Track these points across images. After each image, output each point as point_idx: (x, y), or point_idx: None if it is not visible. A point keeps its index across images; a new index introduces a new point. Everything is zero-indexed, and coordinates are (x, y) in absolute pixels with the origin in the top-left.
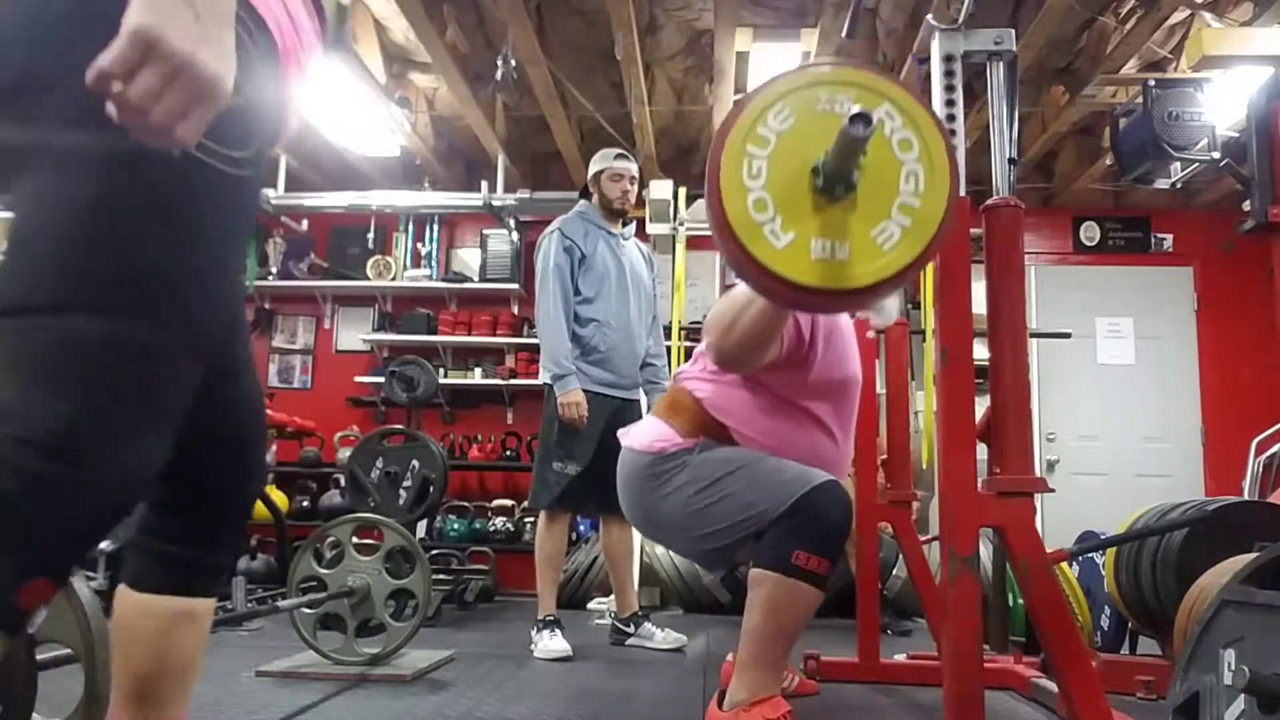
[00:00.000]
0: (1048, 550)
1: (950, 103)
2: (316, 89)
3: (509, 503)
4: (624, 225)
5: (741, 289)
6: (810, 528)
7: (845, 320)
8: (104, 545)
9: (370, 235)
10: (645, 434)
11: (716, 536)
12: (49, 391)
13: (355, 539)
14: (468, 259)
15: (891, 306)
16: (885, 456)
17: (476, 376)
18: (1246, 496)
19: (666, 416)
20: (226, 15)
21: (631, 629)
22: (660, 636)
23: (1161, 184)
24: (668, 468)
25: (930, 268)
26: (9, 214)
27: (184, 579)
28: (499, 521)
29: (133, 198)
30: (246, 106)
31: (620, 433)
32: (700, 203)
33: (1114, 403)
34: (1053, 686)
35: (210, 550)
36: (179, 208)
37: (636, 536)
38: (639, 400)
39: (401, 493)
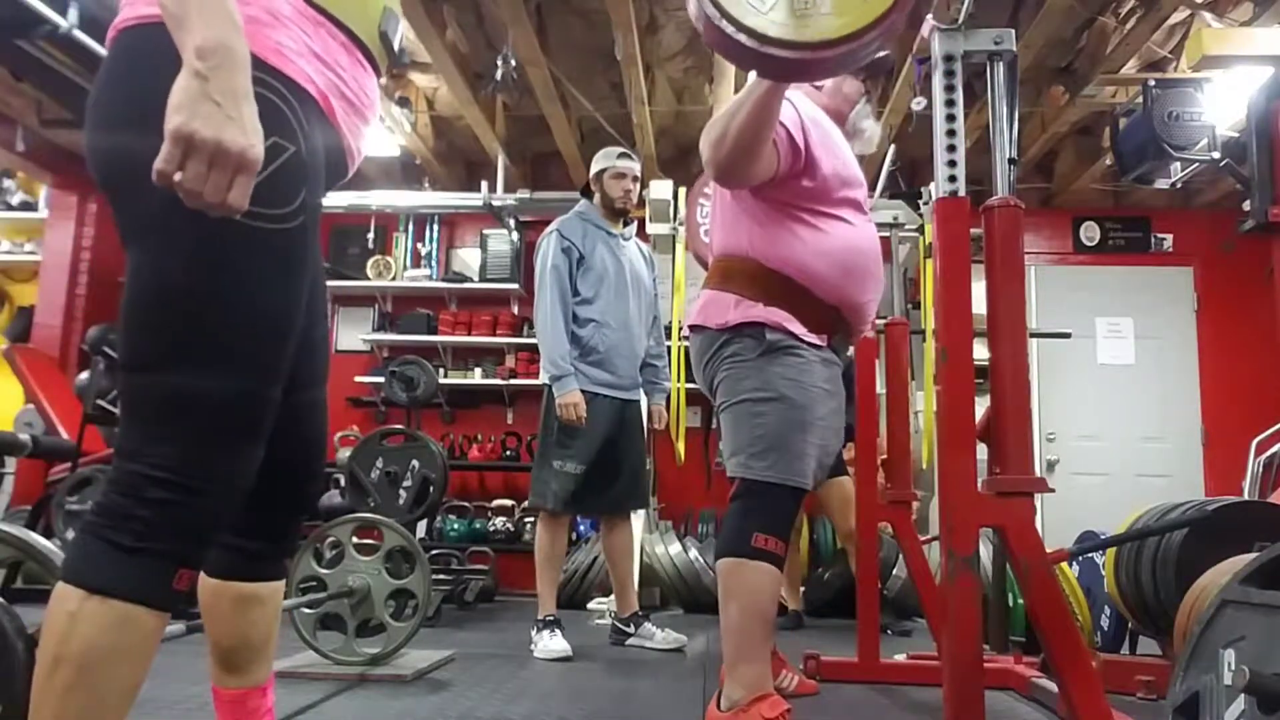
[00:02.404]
0: (1048, 550)
1: (950, 103)
2: None
3: (509, 503)
4: (625, 225)
5: (725, 105)
6: (766, 509)
7: (836, 128)
8: None
9: (370, 235)
10: (708, 311)
11: (737, 425)
12: (162, 436)
13: (355, 539)
14: (468, 259)
15: (872, 131)
16: (885, 456)
17: (476, 376)
18: (1246, 496)
19: (723, 285)
20: (242, 92)
21: (631, 629)
22: (660, 636)
23: (1161, 184)
24: (732, 349)
25: (930, 267)
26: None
27: (250, 567)
28: (499, 521)
29: (200, 268)
30: (289, 163)
31: (688, 321)
32: None
33: (1114, 403)
34: (1053, 686)
35: (271, 543)
36: (240, 269)
37: (637, 536)
38: (639, 400)
39: (401, 493)
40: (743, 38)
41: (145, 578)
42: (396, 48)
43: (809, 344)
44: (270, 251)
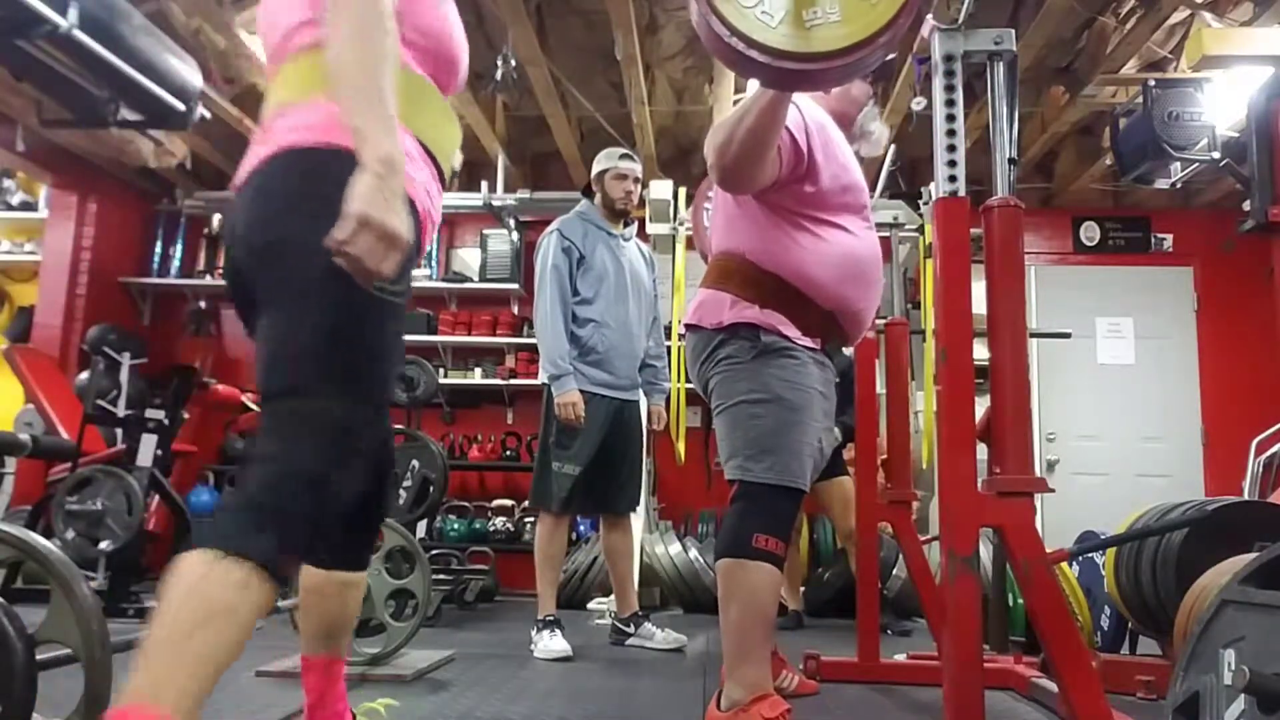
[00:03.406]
0: (1048, 550)
1: (950, 103)
2: None
3: (509, 503)
4: (625, 226)
5: (730, 111)
6: (765, 510)
7: (839, 135)
8: (104, 546)
9: None
10: (704, 310)
11: (734, 428)
12: (300, 445)
13: None
14: (468, 259)
15: (880, 134)
16: (885, 456)
17: (476, 376)
18: (1246, 496)
19: (720, 284)
20: (402, 193)
21: (631, 629)
22: (660, 636)
23: (1161, 184)
24: (726, 351)
25: (930, 267)
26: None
27: (343, 559)
28: (499, 521)
29: (345, 322)
30: (409, 256)
31: (684, 320)
32: None
33: (1114, 403)
34: (1053, 686)
35: (360, 538)
36: (370, 327)
37: (637, 536)
38: (638, 401)
39: (401, 493)
40: (754, 53)
41: (270, 549)
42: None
43: (803, 346)
44: (393, 316)
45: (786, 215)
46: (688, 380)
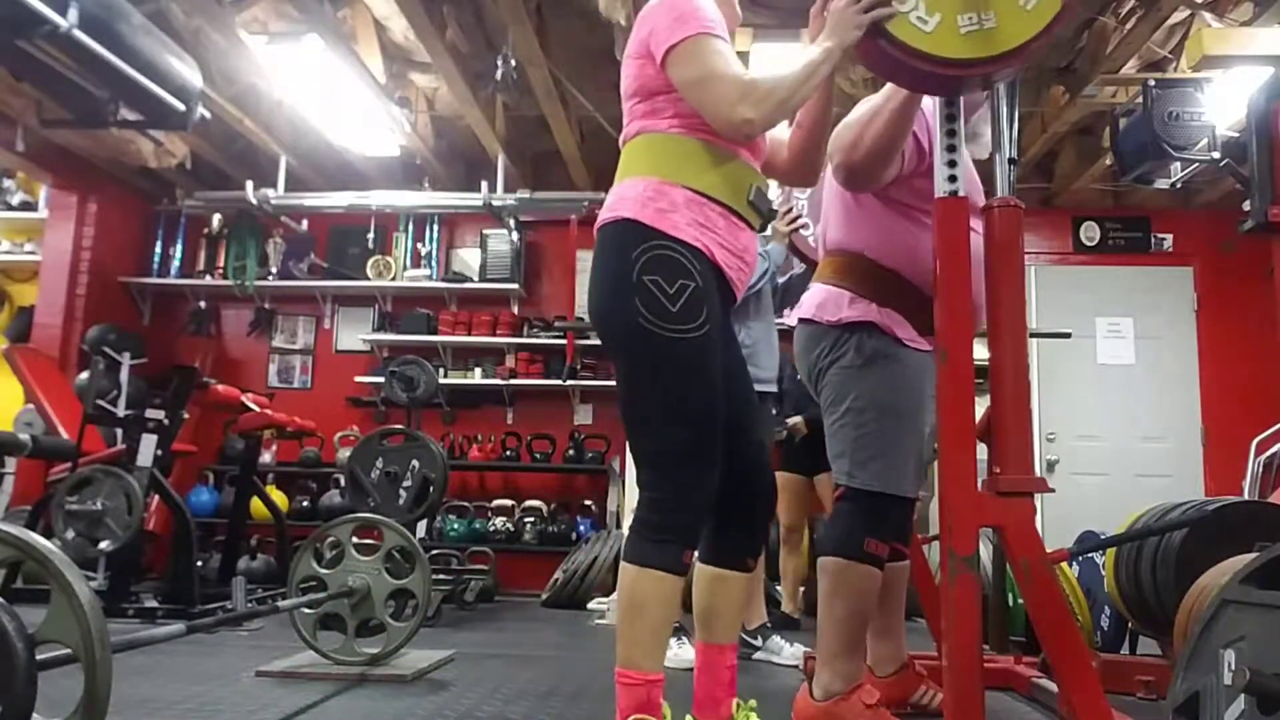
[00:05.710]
0: (1048, 550)
1: (950, 103)
2: (317, 87)
3: (509, 503)
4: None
5: (858, 111)
6: (876, 515)
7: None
8: (104, 546)
9: (370, 235)
10: (821, 306)
11: (840, 433)
12: (656, 469)
13: (355, 539)
14: (468, 259)
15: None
16: None
17: (476, 376)
18: (1246, 496)
19: (837, 280)
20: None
21: (759, 641)
22: (789, 651)
23: (1161, 184)
24: (840, 352)
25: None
26: None
27: (722, 558)
28: (499, 521)
29: (662, 367)
30: (692, 294)
31: (795, 310)
32: None
33: (1114, 403)
34: (1053, 686)
35: (736, 543)
36: (678, 364)
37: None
38: (773, 394)
39: (401, 493)
40: (906, 58)
41: (665, 556)
42: (768, 209)
43: (915, 349)
44: (693, 350)
45: (905, 210)
46: None
